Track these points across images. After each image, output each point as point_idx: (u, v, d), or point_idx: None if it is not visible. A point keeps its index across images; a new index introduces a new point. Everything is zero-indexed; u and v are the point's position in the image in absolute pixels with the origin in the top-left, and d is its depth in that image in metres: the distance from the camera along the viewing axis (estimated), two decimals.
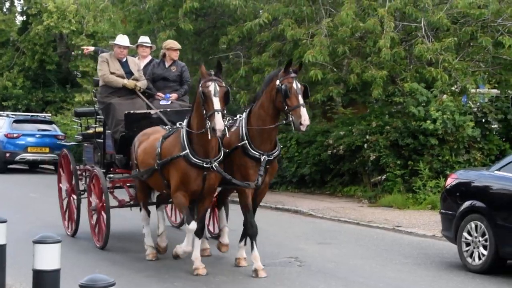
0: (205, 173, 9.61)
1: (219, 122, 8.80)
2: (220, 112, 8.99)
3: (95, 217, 12.23)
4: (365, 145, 19.30)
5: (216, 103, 9.03)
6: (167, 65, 12.52)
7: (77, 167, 13.49)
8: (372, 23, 18.21)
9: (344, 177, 20.80)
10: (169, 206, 13.65)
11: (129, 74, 12.11)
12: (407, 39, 19.45)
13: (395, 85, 19.17)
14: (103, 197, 11.84)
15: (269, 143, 10.35)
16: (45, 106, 36.50)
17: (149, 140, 10.67)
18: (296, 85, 9.74)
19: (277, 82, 9.82)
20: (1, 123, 28.50)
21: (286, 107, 9.73)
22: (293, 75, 9.81)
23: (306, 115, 9.59)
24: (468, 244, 11.09)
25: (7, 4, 42.55)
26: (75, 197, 13.02)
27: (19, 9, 41.90)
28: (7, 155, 27.57)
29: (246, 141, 10.09)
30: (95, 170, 12.25)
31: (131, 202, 12.83)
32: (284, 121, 10.14)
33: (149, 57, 13.03)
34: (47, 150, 27.92)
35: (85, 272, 8.18)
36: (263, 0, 20.22)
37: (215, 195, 11.35)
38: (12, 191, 21.48)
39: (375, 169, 19.31)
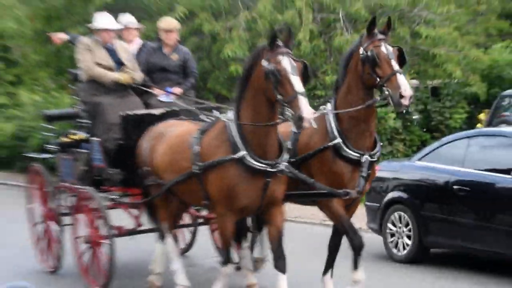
0: (268, 180, 7.18)
1: (307, 108, 6.54)
2: (305, 95, 6.69)
3: (85, 250, 9.65)
4: None
5: (298, 84, 6.68)
6: (166, 51, 10.08)
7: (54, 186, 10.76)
8: (290, 15, 18.56)
9: None
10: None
11: (118, 64, 9.64)
12: (326, 31, 19.71)
13: (316, 78, 19.29)
14: (97, 225, 9.37)
15: (369, 136, 8.00)
16: None
17: (172, 136, 8.21)
18: (387, 49, 7.48)
19: (361, 50, 7.58)
20: None
21: (378, 79, 7.45)
22: (380, 36, 7.54)
23: (406, 84, 7.35)
24: (392, 235, 11.40)
25: None
26: (53, 224, 10.61)
27: None
28: None
29: (340, 139, 7.73)
30: (85, 190, 9.50)
31: (137, 229, 10.35)
32: (378, 98, 7.69)
33: (139, 41, 10.68)
34: None
35: None
36: None
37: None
38: None
39: None
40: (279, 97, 6.73)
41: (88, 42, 9.65)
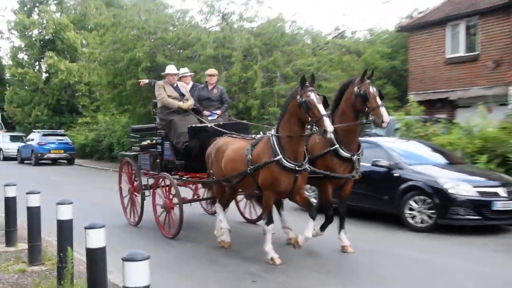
0: (296, 175, 6.90)
1: (329, 125, 6.35)
2: (327, 116, 6.50)
3: (161, 212, 9.24)
4: None
5: (322, 109, 6.48)
6: (210, 88, 9.95)
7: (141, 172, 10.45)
8: (251, 74, 18.61)
9: None
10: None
11: (181, 95, 9.52)
12: (271, 83, 19.50)
13: (264, 109, 19.30)
14: (171, 196, 9.00)
15: (355, 143, 7.58)
16: (60, 126, 36.06)
17: (232, 150, 7.72)
18: (373, 89, 7.26)
19: (355, 89, 7.31)
20: (36, 136, 28.74)
21: (367, 109, 7.20)
22: (368, 81, 7.32)
23: (386, 113, 7.15)
24: None
25: (37, 67, 41.49)
26: (137, 194, 10.12)
27: (43, 68, 40.81)
28: (39, 155, 27.71)
29: (337, 145, 7.36)
30: (164, 174, 9.19)
31: (195, 198, 10.22)
32: (365, 121, 7.42)
33: (191, 83, 10.46)
34: (62, 151, 28.18)
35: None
36: (187, 60, 19.60)
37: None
38: (42, 175, 20.87)
39: None
40: (309, 119, 6.50)
41: (161, 83, 9.53)
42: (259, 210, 9.56)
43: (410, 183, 9.37)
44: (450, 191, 9.06)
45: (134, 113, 24.15)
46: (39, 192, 7.07)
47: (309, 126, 6.72)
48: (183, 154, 9.09)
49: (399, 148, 10.50)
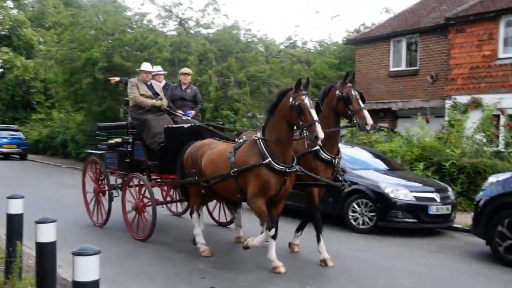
0: (285, 178, 6.37)
1: (321, 131, 5.86)
2: (319, 122, 5.98)
3: (131, 213, 8.57)
4: None
5: (314, 114, 5.99)
6: (183, 87, 9.27)
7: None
8: (206, 78, 18.46)
9: None
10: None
11: (155, 94, 8.80)
12: (224, 87, 19.42)
13: (218, 112, 19.22)
14: (140, 198, 8.39)
15: (336, 147, 7.15)
16: (14, 121, 34.77)
17: (213, 152, 7.14)
18: (355, 92, 6.86)
19: (337, 92, 6.86)
20: None
21: (350, 112, 6.79)
22: (349, 84, 6.90)
23: (369, 116, 6.77)
24: None
25: None
26: (103, 195, 9.47)
27: None
28: None
29: (318, 147, 6.77)
30: (136, 175, 8.51)
31: (168, 200, 9.86)
32: (350, 124, 7.04)
33: (164, 81, 9.80)
34: (15, 146, 27.34)
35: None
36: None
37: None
38: None
39: None
40: (301, 123, 6.00)
41: (134, 81, 8.80)
42: (229, 213, 9.23)
43: (353, 186, 9.28)
44: (390, 195, 9.22)
45: (89, 111, 23.60)
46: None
47: (298, 131, 6.30)
48: (158, 155, 8.41)
49: (344, 154, 10.56)
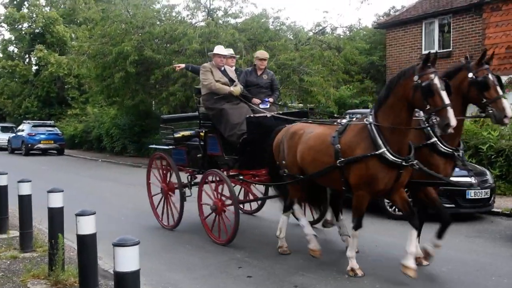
0: (400, 171, 5.42)
1: (453, 118, 4.85)
2: (451, 107, 4.94)
3: (210, 215, 7.61)
4: None
5: (446, 97, 4.97)
6: (259, 73, 8.22)
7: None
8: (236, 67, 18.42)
9: None
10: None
11: (230, 81, 7.78)
12: None
13: None
14: (220, 197, 7.37)
15: (458, 138, 5.94)
16: (50, 117, 35.60)
17: (312, 137, 6.16)
18: (493, 76, 5.59)
19: (470, 74, 5.62)
20: (26, 127, 28.28)
21: (485, 100, 5.53)
22: (486, 66, 5.65)
23: (508, 107, 5.46)
24: None
25: (27, 60, 40.90)
26: (173, 194, 8.49)
27: (33, 61, 40.30)
28: (29, 145, 27.35)
29: (435, 138, 5.78)
30: (215, 171, 7.45)
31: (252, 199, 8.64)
32: (484, 114, 5.70)
33: (234, 67, 8.76)
34: (52, 142, 27.79)
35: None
36: (174, 54, 19.52)
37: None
38: (32, 165, 20.63)
39: None
40: (428, 107, 5.06)
41: (208, 66, 7.73)
42: (315, 213, 7.95)
43: None
44: None
45: (122, 105, 23.95)
46: (30, 181, 6.97)
47: (421, 115, 5.52)
48: (239, 148, 7.41)
49: None
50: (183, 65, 9.40)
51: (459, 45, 18.06)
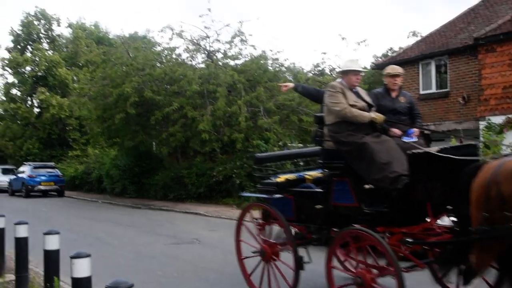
0: None
1: None
2: None
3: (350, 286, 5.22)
4: (234, 175, 18.97)
5: None
6: (393, 95, 6.13)
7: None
8: (235, 108, 18.60)
9: (222, 193, 19.94)
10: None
11: (367, 105, 5.72)
12: (254, 117, 19.52)
13: (248, 142, 19.31)
14: (365, 267, 5.10)
15: None
16: (51, 159, 35.64)
17: None
18: None
19: None
20: (27, 169, 28.33)
21: None
22: None
23: None
24: None
25: (29, 102, 41.35)
26: (276, 258, 6.34)
27: (35, 103, 40.77)
28: (30, 187, 27.35)
29: None
30: (363, 230, 5.05)
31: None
32: None
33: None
34: (53, 184, 27.83)
35: None
36: (174, 95, 19.89)
37: None
38: (32, 207, 20.51)
39: (239, 188, 18.57)
40: None
41: (339, 86, 5.67)
42: None
43: None
44: None
45: (122, 146, 24.06)
46: (27, 223, 6.88)
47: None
48: (395, 197, 5.13)
49: None
50: (292, 85, 7.42)
51: (456, 85, 18.24)
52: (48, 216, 16.99)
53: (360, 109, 5.64)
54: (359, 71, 5.81)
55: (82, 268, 4.42)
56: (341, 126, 5.60)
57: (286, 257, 6.22)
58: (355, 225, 5.33)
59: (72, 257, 4.44)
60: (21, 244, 6.78)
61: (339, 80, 5.96)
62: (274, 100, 19.16)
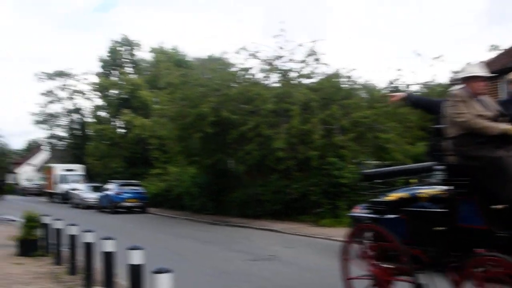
0: None
1: None
2: None
3: None
4: (309, 192, 18.99)
5: None
6: None
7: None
8: (309, 126, 18.70)
9: (298, 210, 19.80)
10: None
11: (497, 115, 5.10)
12: (329, 134, 19.45)
13: (323, 159, 19.30)
14: None
15: None
16: (134, 177, 37.23)
17: None
18: None
19: None
20: (113, 186, 29.75)
21: None
22: None
23: None
24: None
25: (114, 123, 43.79)
26: (392, 284, 5.79)
27: (119, 124, 43.00)
28: (116, 203, 28.54)
29: None
30: (505, 258, 4.40)
31: None
32: None
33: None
34: (137, 200, 28.93)
35: None
36: (249, 114, 20.24)
37: None
38: (118, 223, 21.50)
39: (315, 205, 18.76)
40: None
41: (462, 94, 5.08)
42: None
43: None
44: None
45: (201, 164, 24.73)
46: (114, 238, 7.24)
47: None
48: None
49: None
50: (403, 94, 6.77)
51: None
52: (133, 232, 17.72)
53: (488, 119, 5.03)
54: (485, 77, 5.20)
55: (163, 283, 4.65)
56: (467, 139, 5.03)
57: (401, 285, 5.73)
58: (499, 254, 4.57)
59: (154, 272, 4.69)
60: (109, 258, 7.21)
61: (459, 86, 5.33)
62: (348, 118, 19.06)
